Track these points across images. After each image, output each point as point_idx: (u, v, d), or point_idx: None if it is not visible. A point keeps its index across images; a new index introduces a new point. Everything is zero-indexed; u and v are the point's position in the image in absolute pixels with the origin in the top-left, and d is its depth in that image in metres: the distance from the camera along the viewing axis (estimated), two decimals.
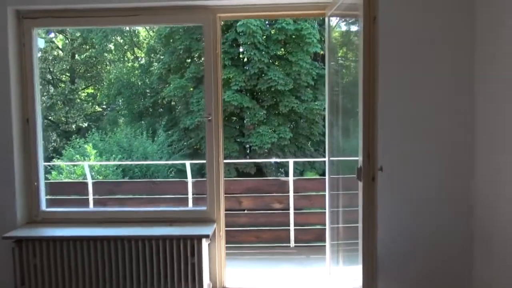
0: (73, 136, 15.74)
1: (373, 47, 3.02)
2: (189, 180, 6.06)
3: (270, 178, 6.13)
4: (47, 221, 4.24)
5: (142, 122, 18.83)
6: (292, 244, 5.99)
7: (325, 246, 4.32)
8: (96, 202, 5.92)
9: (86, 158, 12.00)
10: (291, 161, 6.08)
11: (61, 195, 6.10)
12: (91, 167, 11.47)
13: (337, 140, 3.99)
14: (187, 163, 6.37)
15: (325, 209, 4.35)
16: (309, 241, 6.01)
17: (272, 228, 6.12)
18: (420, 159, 3.37)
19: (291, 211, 6.05)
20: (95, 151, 12.24)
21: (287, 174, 21.91)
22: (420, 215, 3.40)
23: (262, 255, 5.66)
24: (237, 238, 5.94)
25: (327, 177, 4.29)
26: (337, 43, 4.21)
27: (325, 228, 4.34)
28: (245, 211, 6.22)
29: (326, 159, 4.29)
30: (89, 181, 5.91)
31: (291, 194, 6.04)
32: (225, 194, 6.26)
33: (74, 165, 12.06)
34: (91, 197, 5.91)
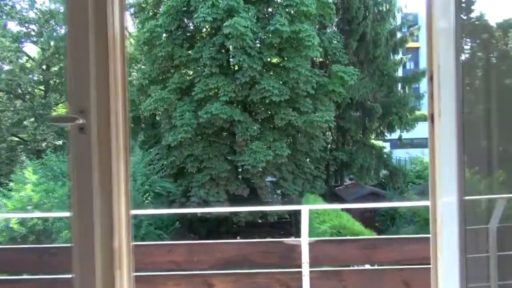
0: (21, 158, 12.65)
1: None
2: None
3: (265, 240, 3.09)
4: None
5: None
6: None
7: None
8: None
9: (24, 186, 8.93)
10: (304, 209, 3.13)
11: None
12: (28, 197, 8.35)
13: None
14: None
15: None
16: None
17: None
18: None
19: None
20: (36, 176, 9.16)
21: (284, 196, 18.89)
22: None
23: None
24: None
25: (457, 228, 1.41)
26: None
27: None
28: None
29: (453, 198, 1.41)
30: None
31: (306, 268, 3.08)
32: (184, 271, 3.37)
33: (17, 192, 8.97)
34: None
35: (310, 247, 3.11)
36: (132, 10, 19.74)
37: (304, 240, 3.12)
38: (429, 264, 3.37)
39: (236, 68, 16.08)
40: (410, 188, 16.23)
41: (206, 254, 3.19)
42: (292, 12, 15.91)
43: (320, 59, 18.22)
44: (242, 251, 3.19)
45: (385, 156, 20.30)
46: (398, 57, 21.28)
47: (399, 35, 21.15)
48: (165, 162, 14.88)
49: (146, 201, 12.58)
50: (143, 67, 17.53)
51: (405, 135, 21.53)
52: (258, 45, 15.82)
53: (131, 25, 21.25)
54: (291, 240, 3.15)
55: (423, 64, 40.03)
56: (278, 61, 16.81)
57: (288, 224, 17.68)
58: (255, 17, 15.52)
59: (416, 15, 40.97)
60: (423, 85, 35.72)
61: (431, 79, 1.52)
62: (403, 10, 22.41)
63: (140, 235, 12.35)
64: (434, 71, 1.49)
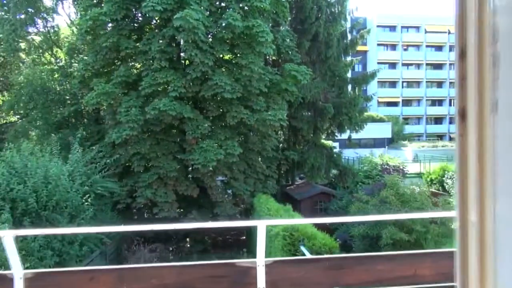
0: None
1: None
2: None
3: (212, 262, 2.50)
4: None
5: (53, 135, 14.41)
6: None
7: None
8: None
9: None
10: (261, 224, 2.59)
11: None
12: None
13: None
14: None
15: None
16: None
17: None
18: None
19: None
20: None
21: (236, 196, 18.31)
22: None
23: None
24: None
25: None
26: None
27: None
28: None
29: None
30: None
31: None
32: None
33: None
34: None
35: (266, 269, 2.58)
36: None
37: (260, 261, 2.58)
38: (403, 284, 2.96)
39: (187, 62, 15.28)
40: (360, 188, 16.32)
41: (139, 281, 2.55)
42: (245, 7, 15.39)
43: (273, 57, 17.89)
44: (184, 276, 2.59)
45: (335, 155, 20.40)
46: (349, 58, 21.48)
47: (349, 37, 21.33)
48: (108, 161, 13.73)
49: (86, 203, 11.47)
50: (85, 57, 16.18)
51: (354, 135, 21.81)
52: (210, 39, 15.13)
53: (73, 13, 19.68)
54: (244, 261, 2.59)
55: (370, 67, 41.27)
56: (231, 57, 16.23)
57: None
58: (208, 11, 14.81)
59: (365, 19, 42.17)
60: (370, 87, 36.82)
61: (461, 56, 1.02)
62: (353, 14, 22.63)
63: (79, 239, 11.27)
64: (467, 45, 0.99)
